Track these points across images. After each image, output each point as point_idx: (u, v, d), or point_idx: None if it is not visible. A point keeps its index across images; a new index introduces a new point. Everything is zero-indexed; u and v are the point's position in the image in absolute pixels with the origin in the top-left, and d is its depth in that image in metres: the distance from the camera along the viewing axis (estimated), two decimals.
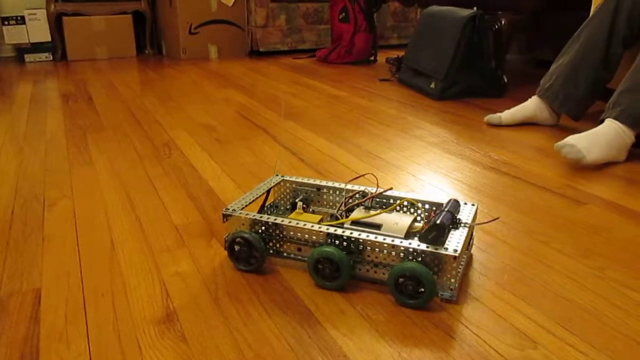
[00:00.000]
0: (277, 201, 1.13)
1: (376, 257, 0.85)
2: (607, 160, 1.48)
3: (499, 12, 2.33)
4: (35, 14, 3.40)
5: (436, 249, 0.80)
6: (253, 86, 2.62)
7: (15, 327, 0.78)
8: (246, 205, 0.98)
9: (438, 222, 0.83)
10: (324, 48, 3.57)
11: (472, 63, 2.27)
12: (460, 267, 0.88)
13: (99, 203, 1.24)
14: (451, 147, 1.66)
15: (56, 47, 3.48)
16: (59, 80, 2.81)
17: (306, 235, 0.89)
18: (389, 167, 1.48)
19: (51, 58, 3.50)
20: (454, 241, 0.83)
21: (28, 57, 3.45)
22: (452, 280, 0.82)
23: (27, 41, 3.44)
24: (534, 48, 3.28)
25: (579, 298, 0.85)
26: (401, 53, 3.39)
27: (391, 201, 1.01)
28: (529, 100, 1.89)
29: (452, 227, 0.88)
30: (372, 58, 3.35)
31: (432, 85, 2.32)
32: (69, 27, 3.41)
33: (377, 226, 0.90)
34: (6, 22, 3.36)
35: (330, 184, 1.08)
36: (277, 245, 0.93)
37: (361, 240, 0.85)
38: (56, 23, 3.42)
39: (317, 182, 1.08)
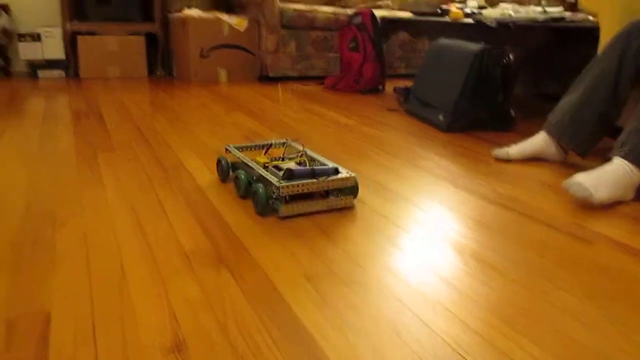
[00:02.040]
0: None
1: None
2: (615, 199, 1.49)
3: (507, 47, 2.36)
4: (50, 31, 3.46)
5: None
6: (262, 111, 2.64)
7: (24, 349, 0.79)
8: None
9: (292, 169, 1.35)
10: (332, 75, 3.61)
11: (480, 96, 2.30)
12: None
13: (109, 224, 1.25)
14: (458, 180, 1.67)
15: (69, 64, 3.53)
16: (70, 97, 2.85)
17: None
18: (395, 197, 1.49)
19: (64, 75, 3.55)
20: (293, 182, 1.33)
21: (41, 73, 3.50)
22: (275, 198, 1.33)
23: (42, 58, 3.49)
24: (542, 82, 3.32)
25: (583, 338, 0.85)
26: (409, 83, 3.43)
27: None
28: (537, 135, 1.90)
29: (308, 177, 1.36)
30: (380, 87, 3.38)
31: (440, 117, 2.34)
32: (83, 45, 3.47)
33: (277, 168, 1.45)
34: (22, 39, 3.42)
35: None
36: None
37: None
38: (71, 41, 3.48)
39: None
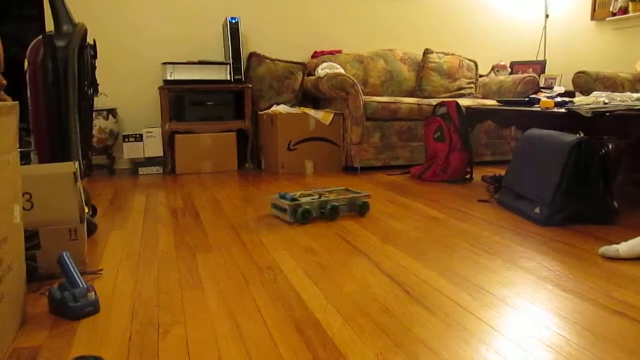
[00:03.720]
0: None
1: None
2: None
3: (605, 137, 2.27)
4: (151, 132, 3.74)
5: None
6: None
7: None
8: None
9: None
10: (417, 165, 3.61)
11: (579, 188, 2.20)
12: None
13: (210, 331, 1.25)
14: (567, 283, 1.56)
15: (166, 161, 3.77)
16: (167, 193, 3.01)
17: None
18: (500, 304, 1.40)
19: (161, 171, 3.78)
20: None
21: (141, 170, 3.75)
22: None
23: (143, 156, 3.75)
24: None
25: None
26: (497, 170, 3.35)
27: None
28: None
29: None
30: (468, 177, 3.33)
31: (537, 210, 2.24)
32: (180, 143, 3.71)
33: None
34: (126, 140, 3.71)
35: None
36: None
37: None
38: (169, 140, 3.73)
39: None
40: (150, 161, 3.77)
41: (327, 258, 1.81)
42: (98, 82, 2.18)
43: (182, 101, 3.78)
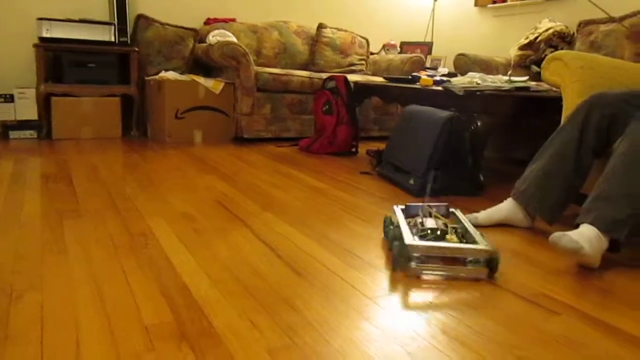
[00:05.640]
0: None
1: None
2: (593, 261, 1.50)
3: (475, 115, 2.43)
4: (24, 92, 3.46)
5: None
6: (235, 174, 2.64)
7: None
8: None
9: None
10: (307, 137, 3.65)
11: (450, 162, 2.34)
12: None
13: (69, 297, 1.20)
14: None
15: (42, 125, 3.52)
16: (40, 159, 2.82)
17: None
18: (366, 267, 1.48)
19: (36, 136, 3.52)
20: None
21: (12, 134, 3.47)
22: None
23: (14, 118, 3.47)
24: (510, 148, 3.40)
25: None
26: (382, 145, 3.48)
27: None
28: (505, 202, 1.93)
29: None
30: (354, 150, 3.43)
31: (412, 182, 2.37)
32: (57, 106, 3.46)
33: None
34: None
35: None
36: None
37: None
38: (44, 102, 3.48)
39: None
40: (23, 124, 3.49)
41: (203, 224, 1.80)
42: None
43: (60, 61, 3.52)
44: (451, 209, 1.81)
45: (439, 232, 1.56)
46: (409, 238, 1.48)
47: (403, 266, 1.45)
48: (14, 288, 1.24)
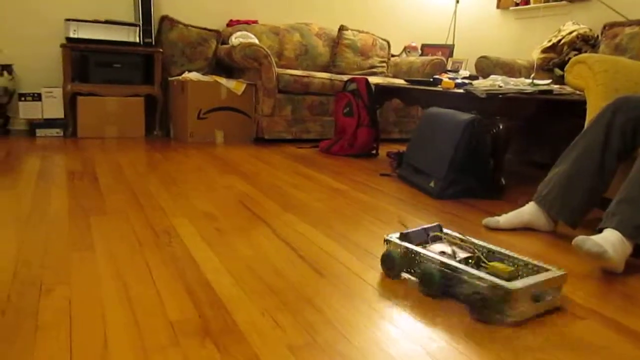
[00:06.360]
0: None
1: None
2: (617, 265, 1.49)
3: (497, 117, 2.42)
4: (51, 92, 3.54)
5: None
6: (256, 174, 2.67)
7: None
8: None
9: None
10: (327, 139, 3.67)
11: (471, 165, 2.34)
12: None
13: (96, 292, 1.23)
14: None
15: (67, 124, 3.59)
16: (66, 156, 2.88)
17: None
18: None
19: (62, 134, 3.60)
20: None
21: (39, 132, 3.55)
22: None
23: (41, 117, 3.55)
24: (532, 151, 3.38)
25: None
26: (402, 147, 3.48)
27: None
28: (527, 205, 1.92)
29: None
30: (374, 152, 3.43)
31: (432, 184, 2.37)
32: (83, 105, 3.53)
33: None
34: (22, 98, 3.49)
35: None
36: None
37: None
38: (70, 101, 3.55)
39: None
40: (49, 123, 3.57)
41: (225, 224, 1.82)
42: None
43: (87, 61, 3.59)
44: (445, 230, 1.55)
45: (470, 260, 1.39)
46: (502, 280, 1.19)
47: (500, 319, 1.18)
48: (43, 282, 1.28)
